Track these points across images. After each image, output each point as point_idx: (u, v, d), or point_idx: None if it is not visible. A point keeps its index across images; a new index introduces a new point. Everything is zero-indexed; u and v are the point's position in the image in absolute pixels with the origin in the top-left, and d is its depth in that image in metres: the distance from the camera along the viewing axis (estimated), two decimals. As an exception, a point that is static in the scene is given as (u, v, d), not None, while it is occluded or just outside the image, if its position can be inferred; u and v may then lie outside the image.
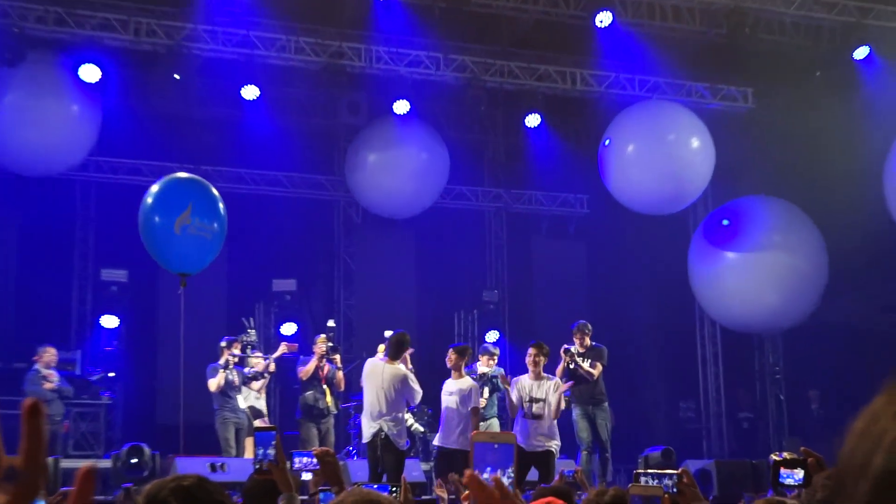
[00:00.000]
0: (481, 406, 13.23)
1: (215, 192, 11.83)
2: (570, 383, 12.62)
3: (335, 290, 19.04)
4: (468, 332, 19.11)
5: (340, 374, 14.07)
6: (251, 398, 14.27)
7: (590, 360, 13.26)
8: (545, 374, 11.89)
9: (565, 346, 13.22)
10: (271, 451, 4.33)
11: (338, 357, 14.07)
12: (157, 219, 11.38)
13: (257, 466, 4.35)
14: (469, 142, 19.87)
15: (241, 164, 18.21)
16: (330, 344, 14.05)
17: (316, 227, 19.25)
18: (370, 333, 15.93)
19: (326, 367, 13.94)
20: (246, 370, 14.02)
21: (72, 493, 1.38)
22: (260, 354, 14.50)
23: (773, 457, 4.02)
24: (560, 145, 19.20)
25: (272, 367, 14.11)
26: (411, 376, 11.33)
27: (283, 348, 14.13)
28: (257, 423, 13.84)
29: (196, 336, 16.52)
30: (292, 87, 18.04)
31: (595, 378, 13.25)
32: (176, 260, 11.43)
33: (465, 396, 11.54)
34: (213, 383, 13.54)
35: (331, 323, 15.30)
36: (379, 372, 11.37)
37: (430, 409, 15.29)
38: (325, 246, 19.29)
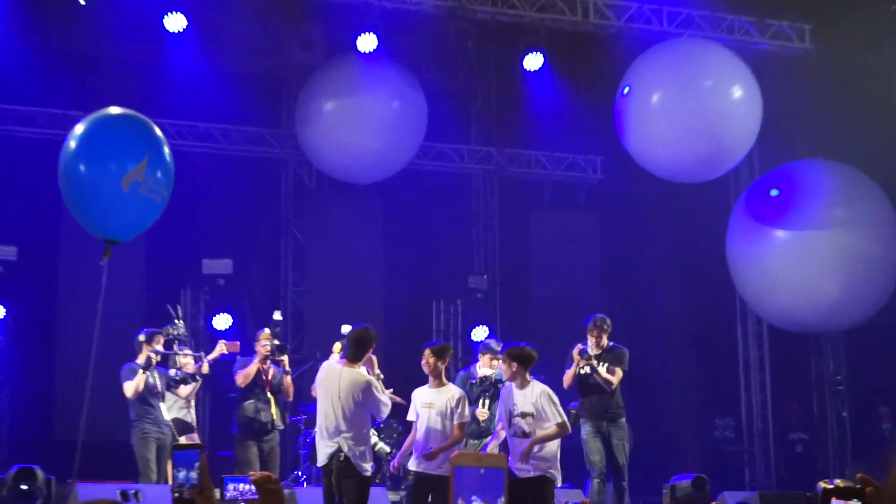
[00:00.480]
0: (482, 419, 13.29)
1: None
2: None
3: (281, 274, 19.07)
4: (450, 327, 19.17)
5: (288, 379, 14.11)
6: (176, 408, 14.29)
7: (607, 365, 13.34)
8: (530, 379, 11.87)
9: (580, 346, 13.26)
10: (194, 475, 4.38)
11: (285, 359, 14.10)
12: (109, 167, 11.22)
13: (176, 495, 4.40)
14: (452, 88, 19.88)
15: (162, 114, 18.13)
16: (276, 342, 14.07)
17: (258, 193, 19.25)
18: (325, 329, 15.97)
19: (271, 371, 13.98)
20: (172, 372, 14.04)
21: None
22: (190, 352, 14.52)
23: (823, 485, 4.09)
24: (567, 94, 19.22)
25: (205, 369, 14.12)
26: (376, 384, 11.37)
27: (221, 347, 14.13)
28: (183, 439, 13.87)
29: (106, 329, 16.57)
30: (229, 17, 18.02)
31: (613, 387, 13.33)
32: (114, 224, 11.39)
33: (449, 409, 11.61)
34: (130, 387, 13.53)
35: (277, 315, 15.34)
36: (335, 378, 11.39)
37: (400, 424, 15.35)
38: (269, 218, 19.31)
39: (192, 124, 18.32)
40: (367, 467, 11.27)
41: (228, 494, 5.31)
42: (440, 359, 11.68)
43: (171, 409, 14.16)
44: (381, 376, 11.81)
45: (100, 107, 17.30)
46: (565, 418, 11.56)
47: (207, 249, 17.85)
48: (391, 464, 12.69)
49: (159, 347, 13.76)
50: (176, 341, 14.29)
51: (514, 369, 11.63)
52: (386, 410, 11.37)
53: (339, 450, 11.21)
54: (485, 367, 13.36)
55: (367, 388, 11.25)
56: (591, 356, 13.20)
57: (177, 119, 18.21)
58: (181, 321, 14.58)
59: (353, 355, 11.38)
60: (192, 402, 14.55)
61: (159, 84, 17.79)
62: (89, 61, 17.62)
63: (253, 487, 4.91)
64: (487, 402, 13.36)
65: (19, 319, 16.69)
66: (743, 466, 19.49)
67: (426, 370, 11.71)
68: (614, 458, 13.37)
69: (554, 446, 11.79)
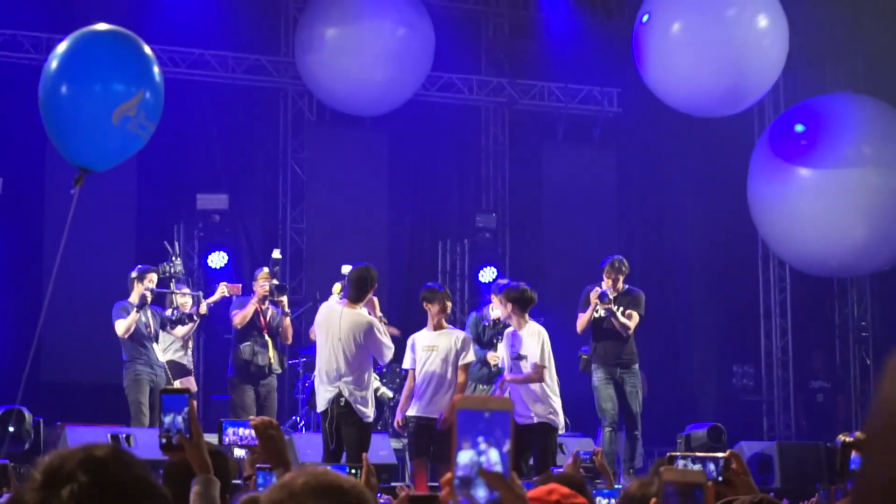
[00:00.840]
0: (493, 363, 13.30)
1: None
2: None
3: (280, 210, 19.06)
4: (456, 267, 19.19)
5: (287, 321, 14.14)
6: (172, 350, 14.32)
7: (621, 309, 13.35)
8: (528, 320, 11.92)
9: (599, 288, 13.26)
10: (180, 420, 4.38)
11: (284, 300, 14.13)
12: (94, 88, 11.04)
13: (164, 440, 4.40)
14: (461, 14, 19.80)
15: (154, 40, 18.02)
16: (275, 282, 14.09)
17: (255, 124, 19.21)
18: (325, 268, 16.00)
19: (270, 312, 14.00)
20: (168, 312, 14.06)
21: None
22: (188, 291, 14.53)
23: (843, 438, 4.10)
24: (583, 22, 19.12)
25: (203, 310, 14.12)
26: (378, 325, 11.39)
27: (222, 290, 14.10)
28: (177, 383, 13.91)
29: (95, 267, 16.59)
30: (225, -64, 17.93)
31: (630, 333, 13.35)
32: (93, 154, 11.31)
33: (454, 352, 11.66)
34: (122, 325, 13.54)
35: (276, 254, 15.33)
36: (336, 319, 11.42)
37: (402, 369, 15.40)
38: (266, 150, 19.27)
39: (183, 51, 18.22)
40: (369, 413, 11.32)
41: (227, 440, 5.30)
42: (433, 302, 11.74)
43: (167, 350, 14.19)
44: (384, 319, 11.84)
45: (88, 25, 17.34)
46: (546, 364, 11.59)
47: (202, 183, 17.83)
48: (393, 421, 12.72)
49: (152, 286, 13.74)
50: (173, 279, 14.30)
51: (509, 310, 11.69)
52: (389, 354, 11.41)
53: (340, 395, 11.27)
54: (497, 309, 13.40)
55: (370, 330, 11.27)
56: (611, 300, 13.21)
57: (170, 45, 18.10)
58: (178, 259, 14.57)
59: (354, 296, 11.40)
60: (190, 345, 14.56)
61: (151, 7, 17.70)
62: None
63: (253, 433, 4.93)
64: (500, 345, 13.41)
65: (3, 255, 16.71)
66: (761, 416, 19.57)
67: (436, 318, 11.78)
68: (627, 406, 13.43)
69: (555, 392, 11.86)
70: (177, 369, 14.23)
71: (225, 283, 14.21)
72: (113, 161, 11.48)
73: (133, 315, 13.48)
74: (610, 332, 13.34)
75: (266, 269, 14.21)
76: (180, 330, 14.18)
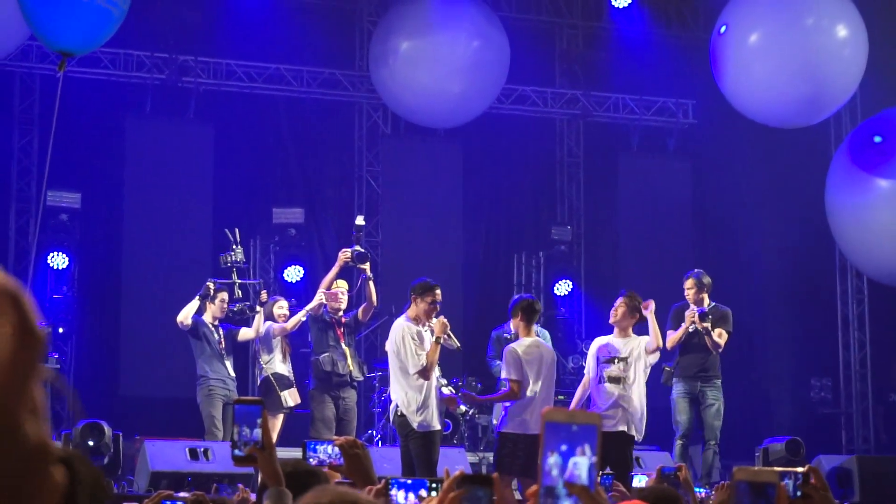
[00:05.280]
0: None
1: None
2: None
3: (355, 223, 19.12)
4: (531, 280, 19.18)
5: (372, 285, 13.96)
6: (277, 362, 14.33)
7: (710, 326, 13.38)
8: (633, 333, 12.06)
9: (696, 308, 13.26)
10: (258, 432, 4.42)
11: (367, 267, 13.82)
12: None
13: (237, 452, 4.43)
14: (535, 25, 19.82)
15: (230, 55, 18.26)
16: (358, 248, 13.92)
17: (330, 138, 19.32)
18: (400, 282, 16.04)
19: (343, 321, 13.95)
20: (237, 308, 14.12)
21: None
22: (282, 300, 14.58)
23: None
24: (658, 33, 19.08)
25: (264, 297, 14.13)
26: (405, 332, 11.46)
27: (320, 297, 13.90)
28: (287, 394, 14.11)
29: (172, 283, 16.75)
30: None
31: (720, 350, 13.37)
32: (68, 33, 11.70)
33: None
34: (182, 312, 13.73)
35: (359, 220, 14.89)
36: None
37: (478, 382, 15.44)
38: (342, 164, 19.37)
39: (259, 66, 18.34)
40: (419, 421, 11.36)
41: (313, 461, 5.34)
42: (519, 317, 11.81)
43: (270, 363, 14.25)
44: (448, 330, 11.80)
45: (164, 48, 17.54)
46: (517, 378, 11.56)
47: (278, 198, 17.95)
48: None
49: (224, 304, 13.98)
50: (234, 269, 14.29)
51: (518, 320, 11.79)
52: (413, 364, 11.41)
53: (397, 406, 11.46)
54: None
55: (395, 336, 11.48)
56: (708, 317, 13.22)
57: (245, 60, 18.27)
58: (239, 247, 14.52)
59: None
60: (288, 354, 14.54)
61: (227, 22, 17.87)
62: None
63: (338, 451, 4.97)
64: None
65: (84, 270, 16.89)
66: (840, 429, 19.41)
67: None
68: (705, 422, 13.41)
69: (638, 401, 11.90)
70: (281, 381, 14.28)
71: (323, 290, 14.00)
72: (89, 41, 11.87)
73: (194, 302, 13.70)
74: (696, 346, 13.34)
75: (345, 282, 14.20)
76: (245, 332, 14.25)
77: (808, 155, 18.52)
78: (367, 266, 13.78)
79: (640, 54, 19.07)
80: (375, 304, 14.09)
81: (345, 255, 13.69)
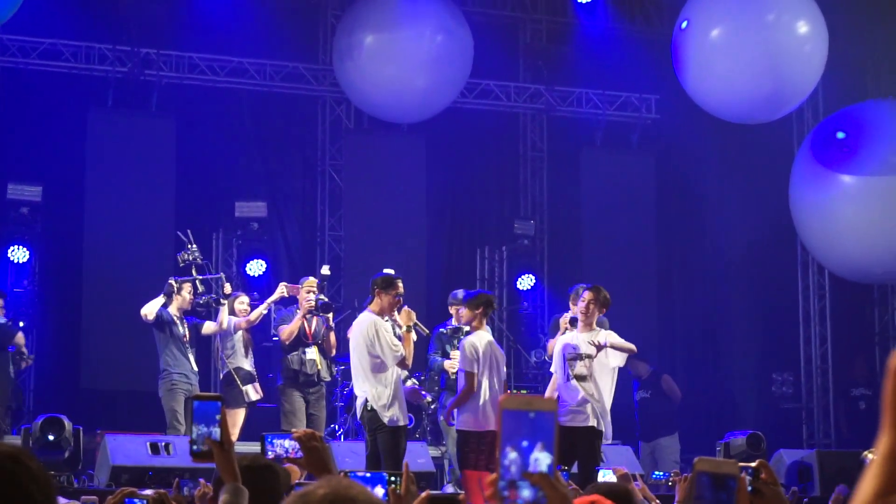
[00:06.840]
0: (451, 372, 13.21)
1: None
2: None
3: (318, 217, 19.12)
4: (494, 275, 19.19)
5: (332, 335, 14.16)
6: (240, 356, 14.35)
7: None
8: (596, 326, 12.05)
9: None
10: (216, 429, 4.41)
11: (330, 316, 14.15)
12: None
13: (194, 447, 4.42)
14: (498, 20, 19.82)
15: (192, 48, 18.20)
16: (323, 298, 14.06)
17: (293, 132, 19.28)
18: (363, 276, 16.02)
19: (314, 322, 14.01)
20: (202, 300, 14.13)
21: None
22: (243, 296, 14.60)
23: (869, 455, 4.09)
24: (622, 28, 19.12)
25: (227, 290, 14.19)
26: (377, 326, 11.50)
27: (282, 290, 14.05)
28: (251, 388, 14.14)
29: (134, 276, 16.69)
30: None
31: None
32: None
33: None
34: (146, 307, 13.73)
35: (325, 270, 15.33)
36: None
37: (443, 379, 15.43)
38: (304, 158, 19.34)
39: (222, 59, 18.29)
40: (390, 416, 11.41)
41: (271, 454, 5.33)
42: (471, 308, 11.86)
43: (233, 357, 14.26)
44: (414, 324, 11.87)
45: (126, 41, 17.49)
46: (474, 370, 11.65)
47: (240, 191, 17.90)
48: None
49: (187, 295, 13.97)
50: (193, 266, 14.32)
51: (479, 315, 11.84)
52: (390, 358, 11.47)
53: (366, 400, 11.48)
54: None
55: (358, 332, 11.52)
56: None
57: (208, 53, 18.23)
58: (194, 246, 14.54)
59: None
60: (250, 348, 14.57)
61: (189, 16, 17.83)
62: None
63: (297, 445, 4.97)
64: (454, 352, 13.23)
65: (45, 263, 16.84)
66: (801, 424, 19.50)
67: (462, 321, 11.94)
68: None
69: (607, 397, 11.92)
70: (246, 376, 14.30)
71: (285, 283, 14.17)
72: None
73: (158, 299, 13.69)
74: None
75: (313, 279, 14.22)
76: (209, 326, 14.28)
77: (772, 150, 18.60)
78: (330, 316, 13.97)
79: (604, 49, 19.09)
80: (333, 352, 14.28)
81: (309, 303, 13.75)
